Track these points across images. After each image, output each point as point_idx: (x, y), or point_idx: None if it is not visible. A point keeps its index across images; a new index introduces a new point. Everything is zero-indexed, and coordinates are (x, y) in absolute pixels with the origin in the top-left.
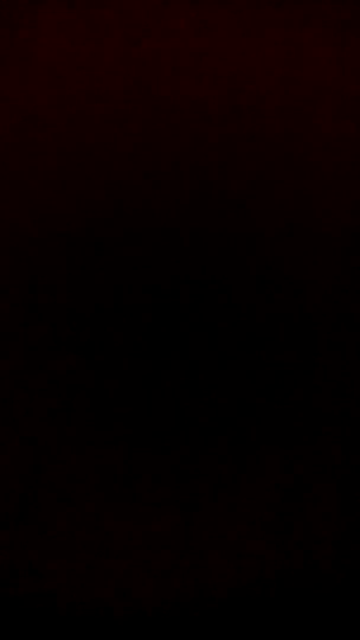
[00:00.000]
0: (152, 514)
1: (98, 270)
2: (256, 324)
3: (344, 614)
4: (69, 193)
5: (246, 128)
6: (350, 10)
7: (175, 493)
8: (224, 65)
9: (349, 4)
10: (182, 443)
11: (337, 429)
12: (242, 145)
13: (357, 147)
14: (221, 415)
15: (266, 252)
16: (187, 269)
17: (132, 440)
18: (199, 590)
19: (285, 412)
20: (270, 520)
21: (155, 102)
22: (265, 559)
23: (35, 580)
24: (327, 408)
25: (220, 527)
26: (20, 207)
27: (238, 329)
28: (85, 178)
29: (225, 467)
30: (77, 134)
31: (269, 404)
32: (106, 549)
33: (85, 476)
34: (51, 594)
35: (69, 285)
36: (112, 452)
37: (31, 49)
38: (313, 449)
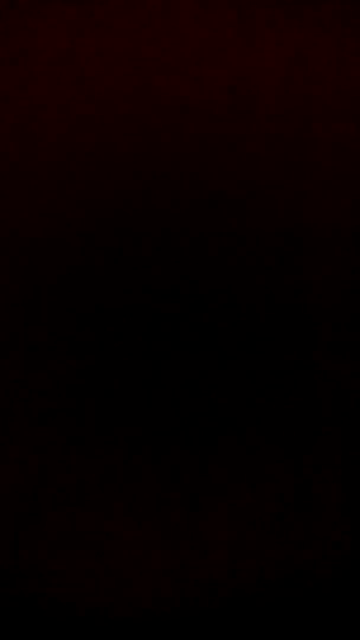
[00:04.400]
0: (152, 514)
1: (99, 270)
2: (257, 325)
3: (344, 614)
4: (69, 193)
5: (246, 128)
6: (350, 10)
7: (175, 493)
8: (224, 65)
9: (349, 4)
10: (183, 443)
11: (337, 429)
12: (242, 145)
13: (357, 147)
14: (222, 415)
15: (266, 253)
16: (188, 269)
17: (133, 440)
18: (199, 590)
19: (286, 412)
20: (270, 520)
21: (155, 102)
22: (266, 559)
23: (35, 580)
24: (327, 408)
25: (220, 527)
26: (20, 207)
27: (239, 329)
28: (85, 178)
29: (226, 467)
30: (77, 134)
31: (270, 405)
32: (106, 549)
33: (86, 476)
34: (51, 594)
35: (69, 285)
36: (113, 452)
37: (31, 49)
38: (313, 449)
